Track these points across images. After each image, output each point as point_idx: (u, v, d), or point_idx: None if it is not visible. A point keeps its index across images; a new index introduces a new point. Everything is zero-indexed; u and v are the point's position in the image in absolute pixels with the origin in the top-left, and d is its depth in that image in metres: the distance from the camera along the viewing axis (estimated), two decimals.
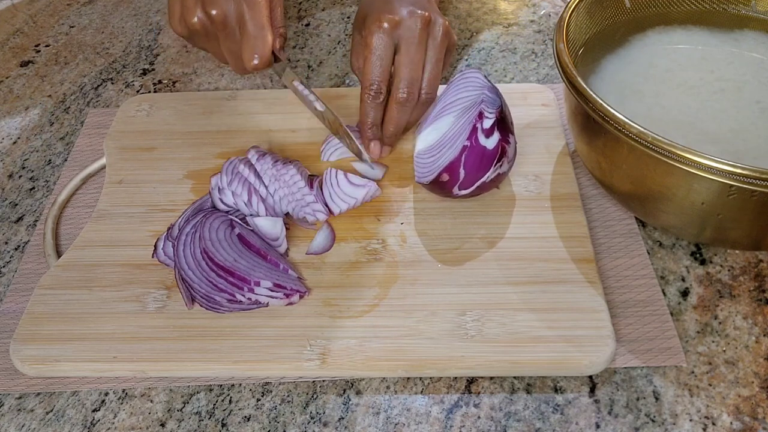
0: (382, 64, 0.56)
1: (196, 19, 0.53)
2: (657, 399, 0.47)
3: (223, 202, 0.56)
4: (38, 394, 0.49)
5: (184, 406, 0.48)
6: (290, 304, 0.51)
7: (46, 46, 0.83)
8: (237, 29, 0.53)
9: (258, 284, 0.50)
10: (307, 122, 0.66)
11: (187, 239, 0.53)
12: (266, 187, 0.56)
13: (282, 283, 0.51)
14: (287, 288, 0.51)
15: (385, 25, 0.56)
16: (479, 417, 0.47)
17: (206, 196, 0.58)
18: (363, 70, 0.57)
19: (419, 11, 0.57)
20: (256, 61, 0.53)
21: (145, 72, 0.78)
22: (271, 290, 0.50)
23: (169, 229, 0.56)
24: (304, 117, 0.66)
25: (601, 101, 0.48)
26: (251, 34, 0.53)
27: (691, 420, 0.46)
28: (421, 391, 0.48)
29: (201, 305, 0.51)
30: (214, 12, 0.52)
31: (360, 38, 0.59)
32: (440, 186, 0.54)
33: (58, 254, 0.57)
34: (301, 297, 0.51)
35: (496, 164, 0.53)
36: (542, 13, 0.82)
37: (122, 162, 0.63)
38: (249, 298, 0.50)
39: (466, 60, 0.76)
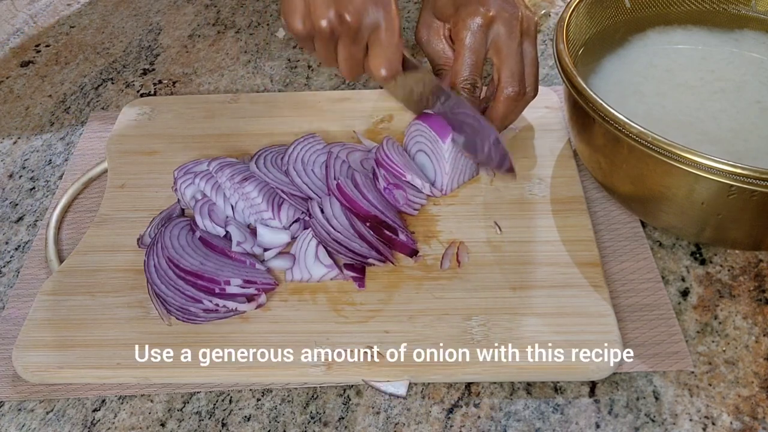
0: (477, 58, 0.54)
1: (325, 21, 0.49)
2: (657, 399, 0.47)
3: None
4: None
5: (184, 406, 0.48)
6: (259, 306, 0.51)
7: (47, 46, 0.83)
8: (366, 35, 0.51)
9: (228, 283, 0.50)
10: (309, 125, 0.66)
11: (151, 251, 0.52)
12: (226, 198, 0.56)
13: (251, 278, 0.51)
14: (258, 282, 0.51)
15: (481, 20, 0.54)
16: (479, 417, 0.47)
17: (175, 204, 0.58)
18: (455, 65, 0.55)
19: (513, 7, 0.55)
20: (385, 72, 0.51)
21: (145, 72, 0.78)
22: (242, 287, 0.50)
23: (140, 237, 0.56)
24: (305, 119, 0.66)
25: (601, 101, 0.48)
26: (384, 44, 0.51)
27: (691, 420, 0.46)
28: (421, 391, 0.48)
29: (177, 318, 0.50)
30: (348, 17, 0.49)
31: (431, 15, 0.58)
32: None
33: (60, 259, 0.57)
34: (266, 292, 0.51)
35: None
36: (542, 13, 0.82)
37: (124, 166, 0.63)
38: (225, 306, 0.50)
39: None
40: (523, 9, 0.56)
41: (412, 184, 0.57)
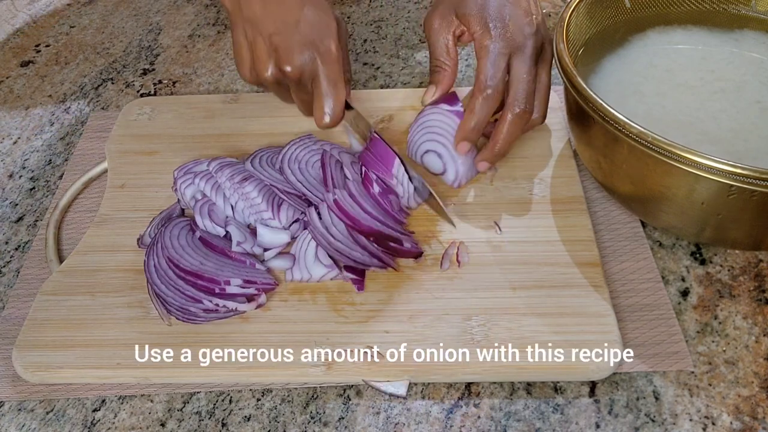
0: (501, 68, 0.54)
1: (269, 73, 0.53)
2: (657, 399, 0.47)
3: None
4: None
5: (184, 406, 0.48)
6: (259, 306, 0.51)
7: (47, 46, 0.83)
8: (310, 83, 0.53)
9: (228, 283, 0.50)
10: (309, 125, 0.65)
11: (151, 251, 0.52)
12: (226, 198, 0.56)
13: (251, 278, 0.51)
14: (258, 282, 0.51)
15: (502, 38, 0.54)
16: (479, 417, 0.47)
17: (175, 204, 0.58)
18: (479, 72, 0.55)
19: (533, 31, 0.55)
20: (327, 119, 0.53)
21: (145, 72, 0.78)
22: (242, 287, 0.50)
23: (140, 237, 0.56)
24: (306, 120, 0.66)
25: (601, 101, 0.48)
26: (324, 92, 0.52)
27: (691, 420, 0.46)
28: (421, 391, 0.48)
29: (177, 318, 0.50)
30: (288, 69, 0.52)
31: (451, 10, 0.58)
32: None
33: (60, 259, 0.57)
34: (266, 292, 0.51)
35: None
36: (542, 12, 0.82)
37: (124, 166, 0.63)
38: (225, 306, 0.50)
39: (467, 61, 0.76)
40: (545, 37, 0.57)
41: (395, 191, 0.57)
